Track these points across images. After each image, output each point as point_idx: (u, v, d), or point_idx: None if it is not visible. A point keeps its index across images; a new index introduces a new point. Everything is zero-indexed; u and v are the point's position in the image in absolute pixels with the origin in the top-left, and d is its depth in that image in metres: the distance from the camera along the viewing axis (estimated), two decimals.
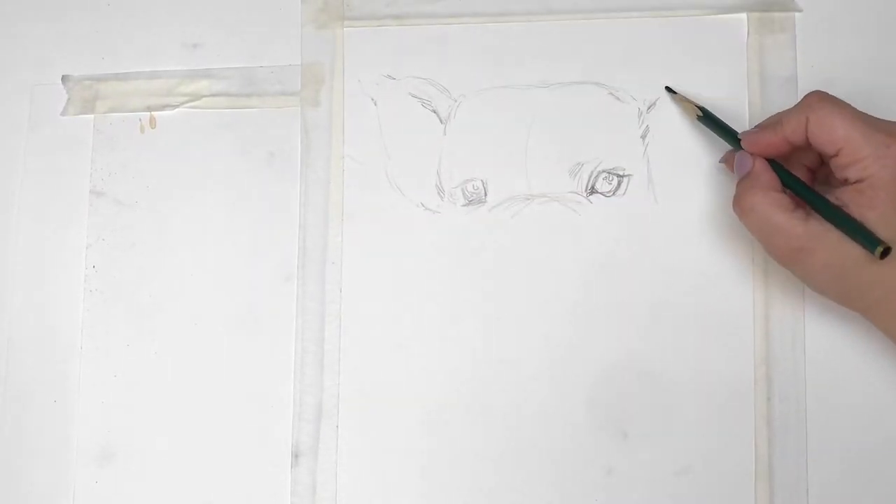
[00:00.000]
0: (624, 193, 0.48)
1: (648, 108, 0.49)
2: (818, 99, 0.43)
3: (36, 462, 0.49)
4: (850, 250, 0.41)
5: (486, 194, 0.49)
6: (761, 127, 0.45)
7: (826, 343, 0.46)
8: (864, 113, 0.42)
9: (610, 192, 0.48)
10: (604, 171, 0.48)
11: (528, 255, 0.48)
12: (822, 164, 0.45)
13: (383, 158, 0.50)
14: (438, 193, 0.49)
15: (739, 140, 0.45)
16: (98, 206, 0.51)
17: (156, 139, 0.51)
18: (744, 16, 0.49)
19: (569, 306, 0.47)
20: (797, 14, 0.49)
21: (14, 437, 0.49)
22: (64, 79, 0.52)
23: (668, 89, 0.48)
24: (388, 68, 0.50)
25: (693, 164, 0.48)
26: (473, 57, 0.50)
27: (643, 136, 0.49)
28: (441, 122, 0.50)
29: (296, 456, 0.48)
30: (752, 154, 0.44)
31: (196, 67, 0.51)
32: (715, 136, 0.47)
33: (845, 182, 0.42)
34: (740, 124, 0.47)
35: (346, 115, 0.50)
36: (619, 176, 0.48)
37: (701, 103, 0.47)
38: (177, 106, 0.51)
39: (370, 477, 0.47)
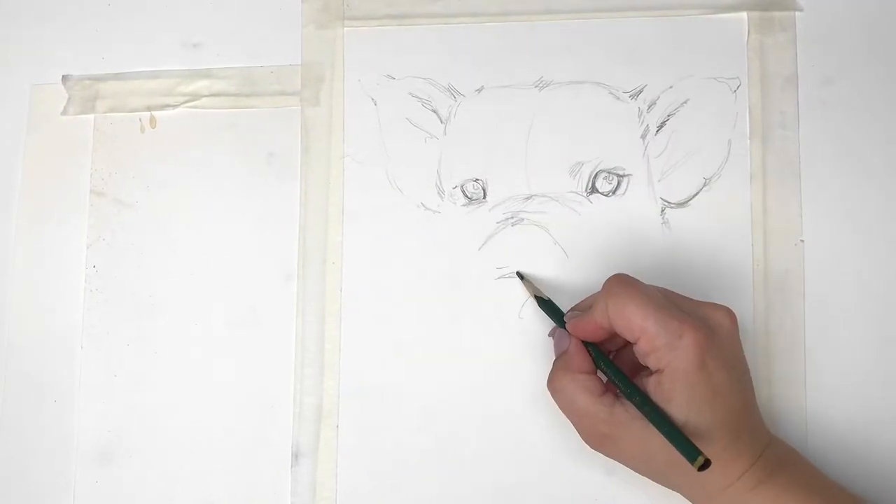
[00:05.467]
0: (624, 193, 0.48)
1: (648, 107, 0.49)
2: (616, 283, 0.41)
3: (36, 462, 0.49)
4: (655, 441, 0.39)
5: (485, 194, 0.49)
6: (582, 309, 0.44)
7: (826, 338, 0.46)
8: (661, 297, 0.41)
9: (610, 191, 0.48)
10: (604, 171, 0.48)
11: (527, 255, 0.48)
12: None
13: (383, 158, 0.50)
14: (438, 193, 0.49)
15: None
16: (98, 205, 0.51)
17: (156, 139, 0.51)
18: (744, 15, 0.49)
19: (569, 305, 0.47)
20: (798, 13, 0.49)
21: (14, 437, 0.49)
22: (64, 78, 0.52)
23: (519, 274, 0.48)
24: (388, 68, 0.50)
25: (693, 163, 0.48)
26: (473, 57, 0.50)
27: (643, 136, 0.49)
28: (441, 121, 0.50)
29: (296, 456, 0.48)
30: (571, 335, 0.43)
31: (196, 67, 0.52)
32: (712, 135, 0.47)
33: (648, 370, 0.41)
34: (740, 127, 0.48)
35: (346, 115, 0.50)
36: (619, 176, 0.48)
37: (545, 295, 0.46)
38: (177, 106, 0.51)
39: (370, 477, 0.47)
